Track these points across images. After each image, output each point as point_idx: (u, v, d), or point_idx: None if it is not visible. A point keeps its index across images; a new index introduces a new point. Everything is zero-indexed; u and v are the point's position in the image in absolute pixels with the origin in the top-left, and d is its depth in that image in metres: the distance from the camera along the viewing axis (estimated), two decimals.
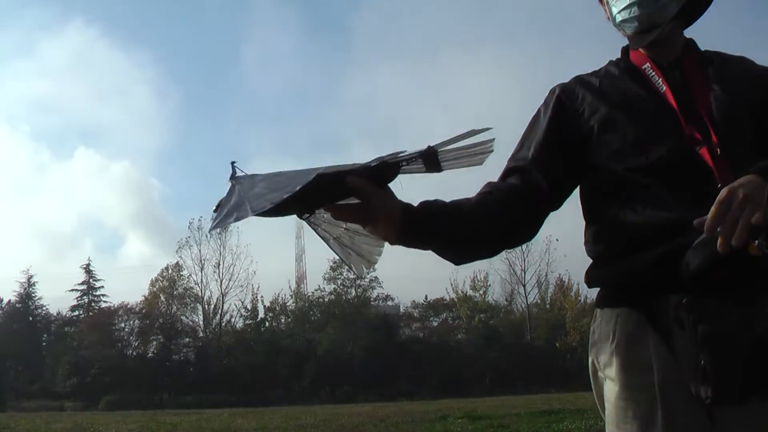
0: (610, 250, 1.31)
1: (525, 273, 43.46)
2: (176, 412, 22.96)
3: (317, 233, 1.28)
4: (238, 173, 1.12)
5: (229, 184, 1.11)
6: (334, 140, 61.89)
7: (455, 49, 69.41)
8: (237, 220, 1.04)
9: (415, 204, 1.23)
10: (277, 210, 1.09)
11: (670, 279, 1.17)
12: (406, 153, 1.15)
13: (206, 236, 43.17)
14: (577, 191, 1.44)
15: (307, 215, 1.23)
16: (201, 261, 43.23)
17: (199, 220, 43.27)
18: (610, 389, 1.29)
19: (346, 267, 1.32)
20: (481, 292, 43.55)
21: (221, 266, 43.04)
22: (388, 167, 1.16)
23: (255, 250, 61.66)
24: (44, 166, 71.70)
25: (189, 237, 43.86)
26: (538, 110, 1.45)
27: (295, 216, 1.22)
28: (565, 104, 1.40)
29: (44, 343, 46.29)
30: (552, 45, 67.97)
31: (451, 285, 43.57)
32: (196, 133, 72.13)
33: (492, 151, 1.20)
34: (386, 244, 1.28)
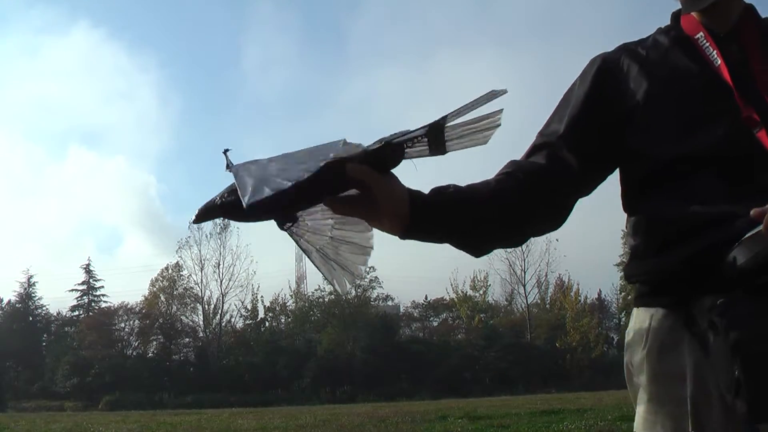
0: (647, 245, 1.17)
1: (525, 273, 43.50)
2: (176, 412, 22.96)
3: (299, 246, 1.15)
4: (235, 162, 1.02)
5: (230, 174, 1.00)
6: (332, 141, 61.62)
7: (452, 52, 69.53)
8: (272, 191, 0.93)
9: (424, 191, 1.11)
10: (276, 203, 0.99)
11: (712, 278, 1.05)
12: (411, 131, 1.04)
13: (206, 236, 43.25)
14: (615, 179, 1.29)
15: (290, 224, 1.12)
16: (201, 261, 43.28)
17: None
18: (641, 399, 1.17)
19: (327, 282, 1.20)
20: (481, 292, 43.60)
21: (221, 266, 43.08)
22: (392, 149, 1.04)
23: (255, 250, 61.72)
24: (46, 166, 71.80)
25: (189, 237, 43.93)
26: (574, 82, 1.28)
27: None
28: (606, 77, 1.24)
29: (44, 343, 46.29)
30: (549, 48, 68.02)
31: (451, 285, 43.65)
32: (196, 134, 72.31)
33: (499, 125, 1.08)
34: (371, 252, 1.16)
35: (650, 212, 1.16)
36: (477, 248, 1.17)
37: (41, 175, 69.68)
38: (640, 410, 1.17)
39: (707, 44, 1.17)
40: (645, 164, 1.17)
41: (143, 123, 70.88)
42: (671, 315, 1.13)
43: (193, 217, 1.05)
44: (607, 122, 1.21)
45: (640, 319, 1.18)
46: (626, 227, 1.24)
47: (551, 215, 1.22)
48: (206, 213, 1.04)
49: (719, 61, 1.15)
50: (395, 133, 1.04)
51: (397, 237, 1.10)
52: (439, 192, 1.11)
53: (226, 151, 1.01)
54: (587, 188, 1.25)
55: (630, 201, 1.23)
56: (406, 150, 1.06)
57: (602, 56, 1.27)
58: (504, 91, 1.05)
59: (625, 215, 1.25)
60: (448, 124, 1.06)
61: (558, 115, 1.26)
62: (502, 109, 1.08)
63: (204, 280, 43.52)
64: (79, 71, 69.45)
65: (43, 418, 20.19)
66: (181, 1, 70.36)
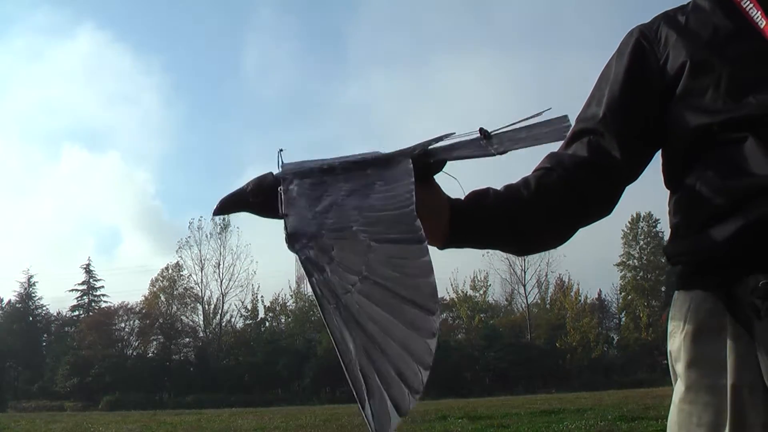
0: (690, 221, 1.09)
1: (525, 273, 43.54)
2: (176, 412, 22.98)
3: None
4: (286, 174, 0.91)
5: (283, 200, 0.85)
6: (332, 145, 61.92)
7: (449, 56, 69.62)
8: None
9: (456, 197, 1.04)
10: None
11: (760, 256, 0.98)
12: (456, 136, 0.98)
13: (206, 236, 43.29)
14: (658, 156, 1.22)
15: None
16: (201, 261, 43.33)
17: (199, 220, 43.36)
18: (677, 388, 1.09)
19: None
20: (481, 292, 43.62)
21: (221, 266, 43.13)
22: (434, 158, 0.97)
23: (255, 250, 61.65)
24: (46, 166, 71.83)
25: (189, 237, 43.99)
26: (610, 59, 1.20)
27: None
28: (646, 49, 1.16)
29: (44, 343, 46.32)
30: (546, 50, 68.09)
31: (451, 285, 43.67)
32: (197, 136, 72.39)
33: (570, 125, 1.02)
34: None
35: (693, 186, 1.08)
36: (523, 251, 1.13)
37: (42, 175, 69.78)
38: (676, 400, 1.07)
39: (750, 5, 1.10)
40: (687, 135, 1.09)
41: (144, 124, 70.98)
42: (713, 297, 1.04)
43: (215, 208, 0.94)
44: (649, 97, 1.14)
45: (679, 303, 1.10)
46: (668, 205, 1.17)
47: (599, 207, 1.15)
48: (231, 205, 0.93)
49: (764, 22, 1.08)
50: (436, 138, 0.98)
51: (435, 248, 1.02)
52: (477, 197, 1.05)
53: (280, 152, 0.93)
54: (634, 174, 1.17)
55: (671, 177, 1.16)
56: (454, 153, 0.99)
57: (639, 27, 1.19)
58: (566, 119, 1.02)
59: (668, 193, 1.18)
60: (497, 133, 1.00)
61: (596, 96, 1.18)
62: (566, 116, 1.03)
63: (204, 280, 43.59)
64: (82, 72, 69.56)
65: (43, 418, 20.20)
66: (181, 5, 70.47)
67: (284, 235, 0.81)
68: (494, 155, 0.98)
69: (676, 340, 1.09)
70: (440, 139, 0.98)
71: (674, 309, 1.12)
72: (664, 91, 1.12)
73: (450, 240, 1.02)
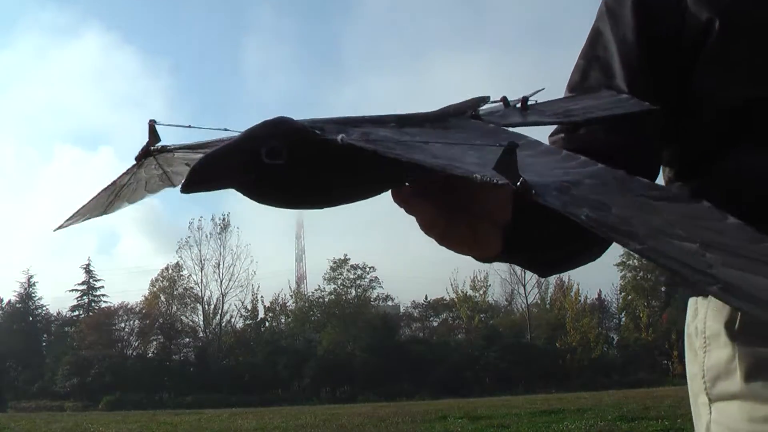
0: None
1: (525, 273, 43.47)
2: (176, 412, 22.98)
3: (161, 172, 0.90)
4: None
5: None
6: None
7: (447, 56, 69.64)
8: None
9: None
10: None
11: None
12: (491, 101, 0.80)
13: (206, 236, 43.29)
14: None
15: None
16: (201, 261, 43.26)
17: (199, 220, 43.40)
18: (738, 409, 0.89)
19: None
20: (481, 292, 43.57)
21: (221, 266, 43.03)
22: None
23: (255, 250, 61.74)
24: (47, 166, 71.83)
25: (189, 237, 43.92)
26: (596, 27, 0.98)
27: (287, 212, 0.88)
28: (652, 8, 0.94)
29: (44, 343, 46.29)
30: (544, 52, 68.13)
31: (451, 285, 43.59)
32: (196, 137, 72.33)
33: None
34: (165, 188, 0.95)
35: (724, 171, 0.91)
36: (546, 268, 0.90)
37: (42, 175, 69.75)
38: (732, 425, 0.88)
39: None
40: (713, 110, 0.92)
41: (144, 125, 70.95)
42: None
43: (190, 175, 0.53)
44: (669, 64, 0.93)
45: (714, 311, 0.93)
46: None
47: None
48: (220, 168, 0.55)
49: None
50: (470, 100, 0.79)
51: (483, 257, 0.77)
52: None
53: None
54: (659, 166, 0.99)
55: (690, 160, 0.97)
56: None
57: None
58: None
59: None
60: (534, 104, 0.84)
61: (597, 60, 0.96)
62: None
63: (204, 280, 43.43)
64: (84, 73, 69.59)
65: (43, 418, 20.21)
66: (180, 8, 70.54)
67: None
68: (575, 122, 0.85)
69: (720, 352, 0.91)
70: (477, 103, 0.77)
71: (705, 317, 0.94)
72: (684, 55, 0.93)
73: (509, 244, 0.76)
